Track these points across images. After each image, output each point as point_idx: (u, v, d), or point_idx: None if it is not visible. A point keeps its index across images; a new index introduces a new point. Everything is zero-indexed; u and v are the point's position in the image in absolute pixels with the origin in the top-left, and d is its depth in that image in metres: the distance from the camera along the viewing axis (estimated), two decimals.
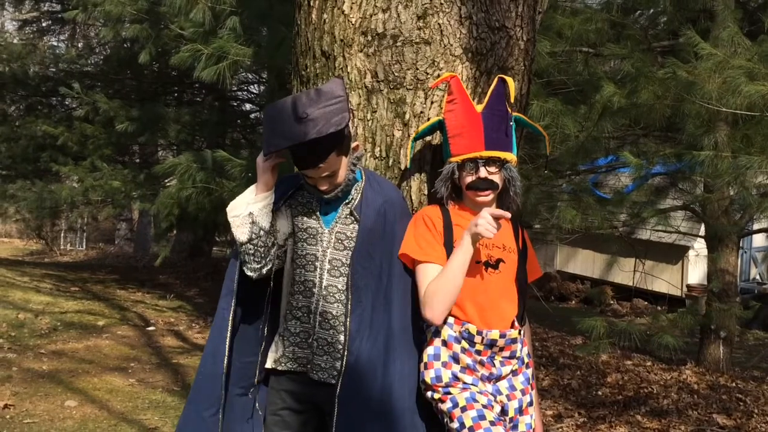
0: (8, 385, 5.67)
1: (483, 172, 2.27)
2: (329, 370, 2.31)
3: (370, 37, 2.47)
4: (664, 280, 11.77)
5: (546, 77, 6.29)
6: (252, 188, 2.31)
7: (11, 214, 14.08)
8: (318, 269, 2.32)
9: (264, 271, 2.35)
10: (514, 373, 2.35)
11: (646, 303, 12.95)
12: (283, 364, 2.39)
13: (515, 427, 2.31)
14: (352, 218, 2.31)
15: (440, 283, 2.20)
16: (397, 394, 2.24)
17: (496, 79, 2.29)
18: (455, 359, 2.26)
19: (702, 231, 8.82)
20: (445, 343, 2.27)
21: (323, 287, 2.31)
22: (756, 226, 9.52)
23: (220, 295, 2.37)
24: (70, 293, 9.96)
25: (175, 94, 13.13)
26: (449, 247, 2.27)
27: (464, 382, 2.24)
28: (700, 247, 10.97)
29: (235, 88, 12.89)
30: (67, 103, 12.75)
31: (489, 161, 2.27)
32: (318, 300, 2.32)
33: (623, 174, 8.66)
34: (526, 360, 2.41)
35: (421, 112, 2.47)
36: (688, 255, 12.40)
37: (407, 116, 2.47)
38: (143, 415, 5.30)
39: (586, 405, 6.35)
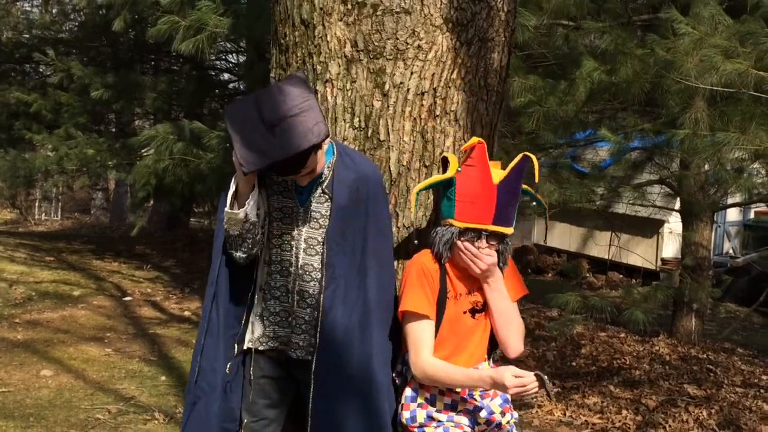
0: None
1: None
2: (306, 348, 2.33)
3: (350, 6, 2.45)
4: (639, 255, 11.90)
5: (527, 50, 6.27)
6: (233, 194, 2.24)
7: None
8: (294, 248, 2.32)
9: (253, 252, 2.33)
10: (491, 399, 2.36)
11: (621, 276, 13.10)
12: (264, 344, 2.40)
13: (499, 426, 2.34)
14: (325, 196, 2.30)
15: (445, 374, 2.22)
16: (376, 365, 2.27)
17: (520, 156, 2.23)
18: (431, 402, 2.31)
19: (677, 205, 8.91)
20: (422, 385, 2.31)
21: (299, 266, 2.31)
22: (730, 201, 9.63)
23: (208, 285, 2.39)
24: (45, 263, 9.86)
25: (152, 62, 12.93)
26: (442, 299, 2.29)
27: (438, 421, 2.30)
28: (675, 221, 11.06)
29: (214, 58, 12.70)
30: (41, 70, 12.51)
31: (492, 235, 2.27)
32: (295, 279, 2.32)
33: (601, 148, 8.68)
34: None
35: (401, 83, 2.45)
36: (663, 229, 12.53)
37: (387, 86, 2.45)
38: (120, 385, 5.29)
39: (560, 375, 6.44)
